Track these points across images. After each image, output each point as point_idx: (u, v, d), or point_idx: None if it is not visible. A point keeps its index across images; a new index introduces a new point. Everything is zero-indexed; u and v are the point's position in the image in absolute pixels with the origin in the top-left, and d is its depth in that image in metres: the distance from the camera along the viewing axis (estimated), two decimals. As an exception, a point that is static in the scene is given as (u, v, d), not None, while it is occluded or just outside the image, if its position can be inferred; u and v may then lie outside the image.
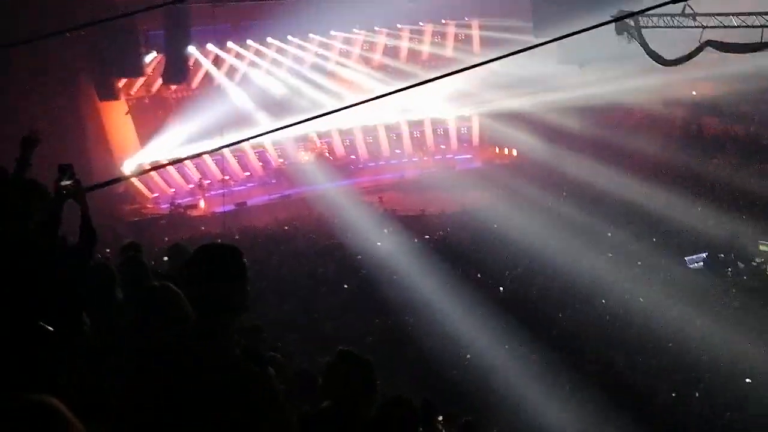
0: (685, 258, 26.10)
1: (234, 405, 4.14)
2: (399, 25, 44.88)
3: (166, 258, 11.52)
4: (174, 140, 38.49)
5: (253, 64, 42.37)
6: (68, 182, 6.73)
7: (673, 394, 17.80)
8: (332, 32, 43.77)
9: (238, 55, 41.91)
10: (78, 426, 2.67)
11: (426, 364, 18.80)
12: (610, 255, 26.80)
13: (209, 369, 4.16)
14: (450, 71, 7.75)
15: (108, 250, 11.88)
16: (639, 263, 25.66)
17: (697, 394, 17.67)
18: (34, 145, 7.74)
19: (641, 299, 22.44)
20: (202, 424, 4.10)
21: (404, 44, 45.25)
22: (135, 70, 37.67)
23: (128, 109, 40.03)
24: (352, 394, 5.53)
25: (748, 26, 24.45)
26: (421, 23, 45.11)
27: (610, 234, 28.99)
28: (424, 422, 7.68)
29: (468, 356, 19.02)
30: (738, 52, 31.21)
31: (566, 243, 28.41)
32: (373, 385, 5.64)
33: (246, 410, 4.14)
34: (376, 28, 44.61)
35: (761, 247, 26.03)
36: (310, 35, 43.31)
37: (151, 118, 40.78)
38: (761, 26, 23.23)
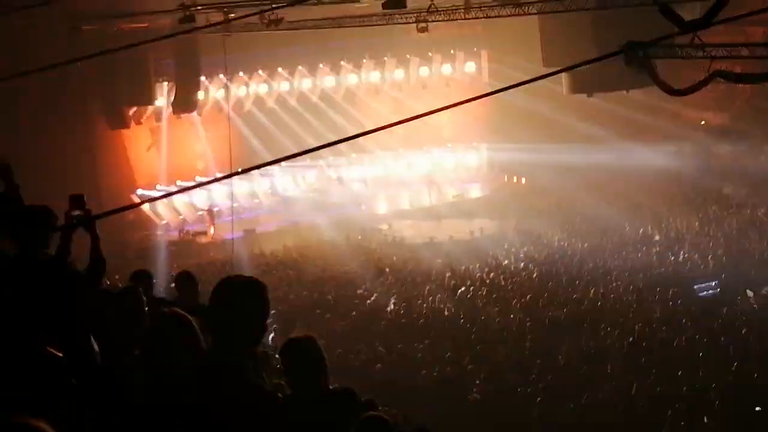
0: (695, 286, 26.01)
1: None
2: (408, 56, 45.02)
3: (173, 285, 11.54)
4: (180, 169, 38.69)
5: (263, 93, 42.54)
6: (79, 212, 6.79)
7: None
8: (342, 63, 43.95)
9: (247, 85, 42.06)
10: None
11: (436, 390, 18.74)
12: (619, 282, 26.75)
13: (234, 397, 4.24)
14: (460, 101, 7.76)
15: (117, 277, 11.93)
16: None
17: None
18: (7, 170, 7.62)
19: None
20: None
21: (413, 74, 45.33)
22: (145, 98, 37.85)
23: (151, 141, 40.33)
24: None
25: (757, 57, 24.48)
26: (430, 53, 45.24)
27: (617, 262, 28.95)
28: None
29: (478, 382, 18.93)
30: (747, 83, 31.29)
31: (577, 269, 28.46)
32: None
33: None
34: (386, 58, 44.76)
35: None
36: (321, 65, 43.51)
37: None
38: (768, 56, 23.26)
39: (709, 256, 28.45)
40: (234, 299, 4.46)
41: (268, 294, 4.55)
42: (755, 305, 24.39)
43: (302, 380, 5.92)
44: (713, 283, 26.27)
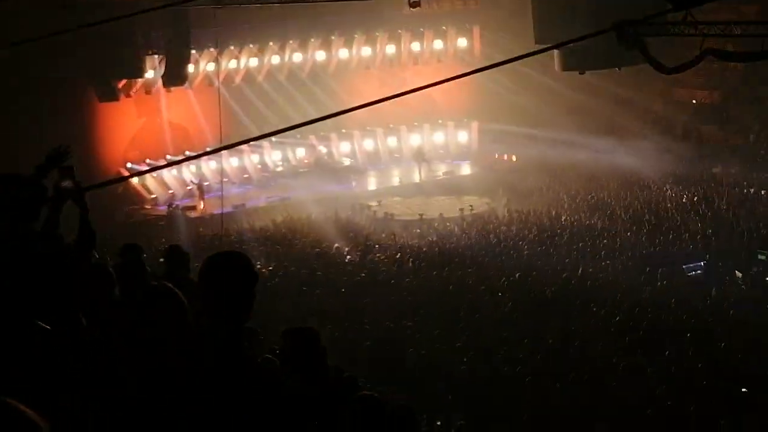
0: (683, 266, 26.07)
1: (256, 405, 4.26)
2: (400, 31, 44.85)
3: (162, 260, 11.47)
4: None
5: (252, 67, 42.38)
6: (69, 184, 6.73)
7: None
8: (333, 38, 43.75)
9: (238, 58, 41.86)
10: (41, 426, 2.60)
11: (423, 369, 18.76)
12: (608, 261, 26.82)
13: (228, 372, 4.25)
14: (451, 76, 7.72)
15: (105, 250, 11.85)
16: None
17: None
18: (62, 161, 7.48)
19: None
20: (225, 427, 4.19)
21: (405, 49, 45.15)
22: (134, 71, 37.63)
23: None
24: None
25: (750, 35, 24.44)
26: (421, 29, 45.07)
27: (606, 240, 29.00)
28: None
29: (464, 360, 18.96)
30: (739, 61, 31.24)
31: (568, 248, 28.49)
32: None
33: (267, 409, 4.27)
34: (377, 33, 44.57)
35: (759, 257, 26.02)
36: (312, 39, 43.32)
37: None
38: (763, 35, 23.19)
39: (698, 236, 28.51)
40: (222, 274, 4.45)
41: (255, 269, 4.55)
42: (743, 286, 24.50)
43: (302, 370, 5.94)
44: (702, 264, 26.35)
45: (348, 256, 29.35)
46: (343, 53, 44.25)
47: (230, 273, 4.43)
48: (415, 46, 45.43)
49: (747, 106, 38.90)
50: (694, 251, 27.44)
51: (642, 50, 23.61)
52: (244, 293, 4.41)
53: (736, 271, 25.17)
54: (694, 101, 41.01)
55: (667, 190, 34.79)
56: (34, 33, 12.19)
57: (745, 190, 33.53)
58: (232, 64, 41.63)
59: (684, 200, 33.05)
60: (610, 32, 15.08)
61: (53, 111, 33.06)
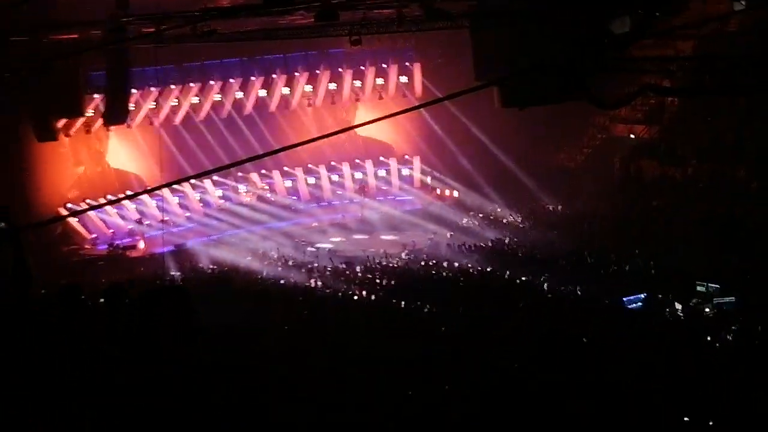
0: (623, 299, 26.26)
1: None
2: (341, 68, 45.02)
3: (101, 300, 11.32)
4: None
5: (194, 105, 42.35)
6: (2, 224, 6.65)
7: None
8: (274, 76, 43.84)
9: (179, 96, 41.77)
10: None
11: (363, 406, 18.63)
12: (550, 296, 26.95)
13: None
14: (392, 113, 7.76)
15: (43, 291, 11.69)
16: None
17: None
18: None
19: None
20: None
21: (347, 86, 45.32)
22: (74, 110, 37.32)
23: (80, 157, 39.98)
24: None
25: (686, 71, 24.87)
26: (362, 67, 45.27)
27: (547, 274, 29.16)
28: None
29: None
30: (675, 96, 31.74)
31: (509, 281, 28.60)
32: None
33: None
34: (318, 71, 44.71)
35: (698, 288, 26.29)
36: (252, 78, 43.39)
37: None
38: (698, 71, 23.63)
39: (638, 269, 28.78)
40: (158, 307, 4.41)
41: (191, 302, 4.51)
42: (682, 317, 24.74)
43: None
44: (642, 296, 26.56)
45: (292, 293, 29.21)
46: (285, 90, 44.33)
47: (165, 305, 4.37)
48: (357, 83, 45.61)
49: (684, 141, 39.43)
50: (634, 284, 27.65)
51: (581, 86, 23.87)
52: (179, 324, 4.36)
53: (676, 303, 25.41)
54: (632, 135, 41.52)
55: (606, 223, 35.12)
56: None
57: (684, 223, 33.91)
58: (173, 102, 41.52)
59: (623, 234, 33.35)
60: (548, 69, 15.26)
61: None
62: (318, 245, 37.88)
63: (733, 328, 22.74)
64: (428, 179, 46.02)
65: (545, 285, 27.86)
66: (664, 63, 24.47)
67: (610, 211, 36.73)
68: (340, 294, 28.45)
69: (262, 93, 43.88)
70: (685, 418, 17.29)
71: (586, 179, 41.16)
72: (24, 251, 6.71)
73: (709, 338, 22.37)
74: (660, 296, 26.18)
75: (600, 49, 18.02)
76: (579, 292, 26.96)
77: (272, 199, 43.89)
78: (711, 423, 17.09)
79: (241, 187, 43.59)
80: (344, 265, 33.20)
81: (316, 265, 33.56)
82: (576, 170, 42.81)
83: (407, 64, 46.16)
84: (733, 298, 25.06)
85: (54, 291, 9.20)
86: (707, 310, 25.06)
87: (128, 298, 9.96)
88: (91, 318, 6.68)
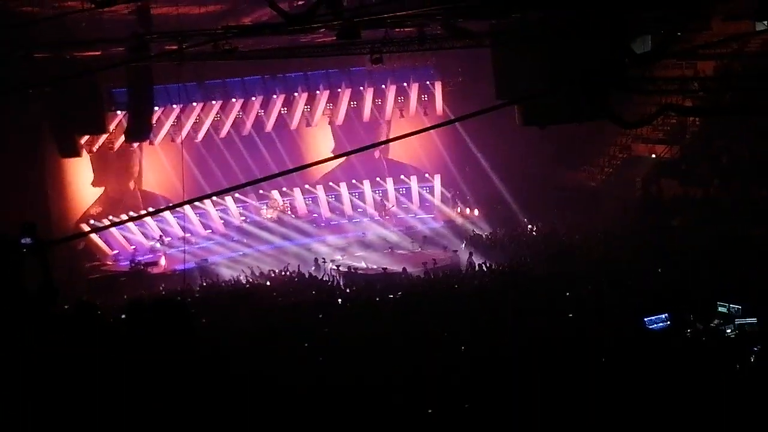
0: (645, 318, 26.12)
1: None
2: (361, 88, 45.15)
3: (123, 316, 11.43)
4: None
5: (215, 122, 42.56)
6: (29, 241, 6.69)
7: None
8: (295, 94, 44.00)
9: (201, 114, 41.97)
10: None
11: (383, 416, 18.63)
12: (570, 315, 26.83)
13: None
14: (414, 131, 7.80)
15: (66, 307, 11.77)
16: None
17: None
18: None
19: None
20: None
21: (368, 104, 45.46)
22: (97, 126, 37.59)
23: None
24: None
25: (707, 91, 24.80)
26: (383, 85, 45.40)
27: (567, 293, 29.05)
28: None
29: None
30: (696, 116, 31.64)
31: (527, 304, 28.49)
32: None
33: None
34: (339, 90, 44.87)
35: (720, 309, 26.14)
36: (274, 96, 43.56)
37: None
38: (719, 91, 23.58)
39: (659, 289, 28.63)
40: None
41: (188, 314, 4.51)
42: (704, 338, 24.60)
43: None
44: (663, 316, 26.42)
45: (312, 310, 29.19)
46: (306, 109, 44.49)
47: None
48: (378, 102, 45.73)
49: (706, 160, 39.29)
50: (655, 304, 27.50)
51: (603, 105, 23.88)
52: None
53: (697, 324, 25.27)
54: (653, 155, 41.42)
55: (627, 242, 34.99)
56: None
57: (705, 242, 33.74)
58: (195, 119, 41.73)
59: (644, 253, 33.20)
60: (570, 88, 15.30)
61: (15, 167, 32.92)
62: (338, 263, 37.90)
63: (755, 348, 22.61)
64: (449, 197, 46.01)
65: (565, 303, 27.78)
66: (685, 83, 24.39)
67: (630, 230, 36.59)
68: (358, 311, 28.44)
69: (283, 110, 44.04)
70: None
71: (606, 198, 41.07)
72: (50, 267, 6.77)
73: (731, 360, 22.27)
74: (681, 316, 26.06)
75: (621, 69, 18.04)
76: (599, 312, 26.87)
77: (292, 216, 43.98)
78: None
79: (262, 205, 43.71)
80: (364, 283, 33.25)
81: (335, 281, 33.61)
82: (597, 189, 42.71)
83: (428, 82, 46.27)
84: (755, 319, 24.90)
85: (72, 307, 9.29)
86: (728, 330, 24.91)
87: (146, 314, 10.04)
88: (107, 334, 6.73)
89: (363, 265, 37.44)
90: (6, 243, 6.56)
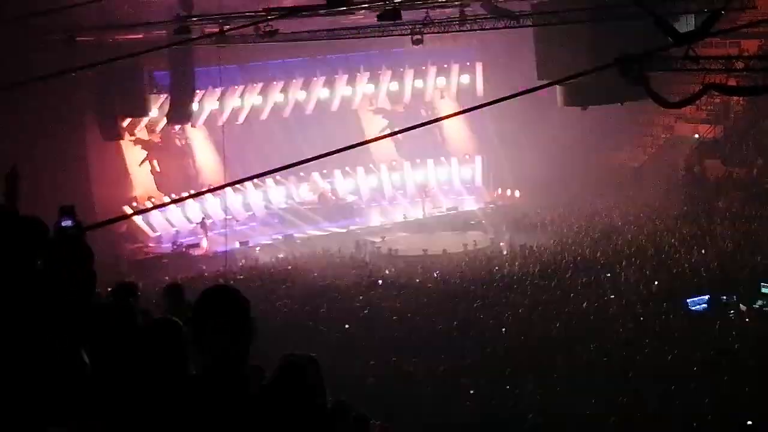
0: (687, 300, 25.92)
1: None
2: (402, 69, 45.04)
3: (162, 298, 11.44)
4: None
5: (257, 105, 42.59)
6: (69, 223, 6.68)
7: None
8: (336, 76, 43.95)
9: (242, 96, 42.02)
10: None
11: (425, 404, 18.68)
12: (612, 296, 26.69)
13: (236, 412, 4.20)
14: (455, 112, 7.75)
15: (109, 290, 11.81)
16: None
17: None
18: (16, 179, 7.72)
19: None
20: None
21: (408, 85, 45.36)
22: (139, 109, 37.84)
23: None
24: None
25: (751, 70, 24.45)
26: (424, 66, 45.27)
27: (609, 275, 28.87)
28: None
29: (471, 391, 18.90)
30: (740, 96, 31.25)
31: (570, 282, 28.39)
32: None
33: None
34: (379, 71, 44.79)
35: (763, 290, 25.88)
36: (315, 77, 43.52)
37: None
38: (764, 70, 23.24)
39: (702, 270, 28.40)
40: (214, 311, 4.34)
41: (248, 305, 4.42)
42: (747, 320, 24.38)
43: (294, 402, 5.79)
44: (706, 298, 26.21)
45: (352, 292, 29.25)
46: (347, 90, 44.44)
47: (220, 310, 4.30)
48: (419, 83, 45.62)
49: (749, 140, 38.88)
50: (698, 285, 27.29)
51: (644, 85, 23.64)
52: (238, 331, 4.30)
53: (741, 305, 25.04)
54: (696, 135, 41.05)
55: (670, 224, 34.70)
56: (39, 72, 12.25)
57: (749, 223, 33.40)
58: (236, 102, 41.79)
59: (687, 234, 32.92)
60: (612, 67, 15.13)
61: (57, 149, 33.15)
62: (379, 245, 37.91)
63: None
64: (490, 179, 45.84)
65: (607, 287, 27.64)
66: (729, 62, 24.05)
67: (674, 211, 36.30)
68: (398, 296, 28.49)
69: (324, 93, 44.00)
70: (748, 422, 17.09)
71: (649, 179, 40.79)
72: (90, 250, 6.77)
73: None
74: (724, 298, 25.83)
75: (664, 48, 17.82)
76: (641, 293, 26.71)
77: (333, 198, 44.01)
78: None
79: (303, 187, 43.74)
80: (404, 265, 33.29)
81: (375, 264, 33.64)
82: (639, 170, 42.40)
83: (468, 63, 46.08)
84: (800, 300, 24.70)
85: (112, 290, 9.29)
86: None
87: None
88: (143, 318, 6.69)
89: (403, 247, 37.42)
90: (41, 227, 6.58)
